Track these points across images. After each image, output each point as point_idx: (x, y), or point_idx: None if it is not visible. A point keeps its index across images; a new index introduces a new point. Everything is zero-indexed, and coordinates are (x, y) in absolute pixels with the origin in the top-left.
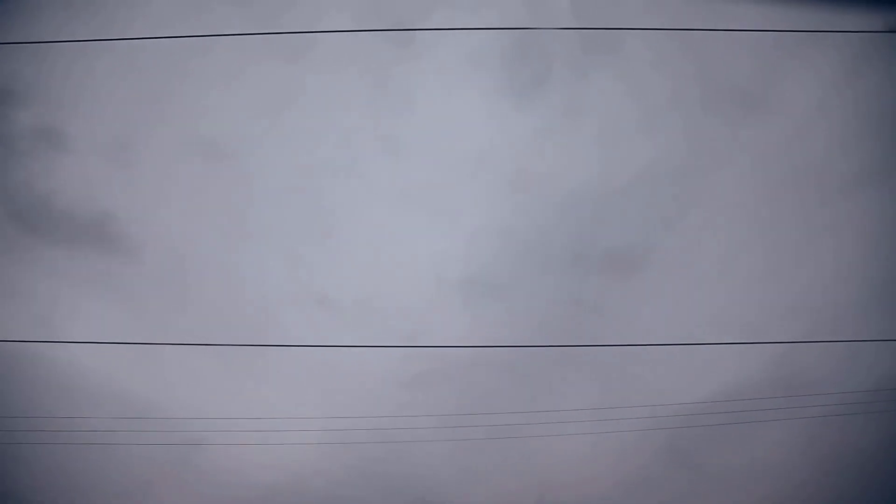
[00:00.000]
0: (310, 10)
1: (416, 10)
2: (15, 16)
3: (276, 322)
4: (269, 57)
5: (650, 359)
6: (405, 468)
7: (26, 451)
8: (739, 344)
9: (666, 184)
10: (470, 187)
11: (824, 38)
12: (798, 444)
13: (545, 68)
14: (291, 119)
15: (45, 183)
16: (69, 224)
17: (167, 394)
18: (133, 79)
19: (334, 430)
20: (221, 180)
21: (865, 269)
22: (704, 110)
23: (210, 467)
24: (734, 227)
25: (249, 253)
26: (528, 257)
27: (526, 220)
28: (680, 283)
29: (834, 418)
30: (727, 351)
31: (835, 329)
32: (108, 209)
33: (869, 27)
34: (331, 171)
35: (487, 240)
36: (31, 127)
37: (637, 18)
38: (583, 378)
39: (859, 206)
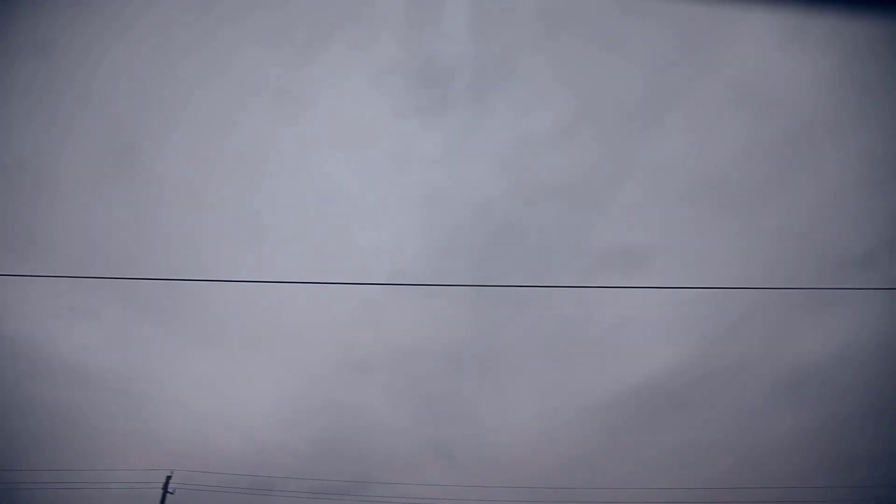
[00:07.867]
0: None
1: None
2: None
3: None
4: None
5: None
6: (353, 441)
7: None
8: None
9: (579, 190)
10: (392, 192)
11: (722, 57)
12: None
13: (452, 86)
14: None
15: None
16: None
17: (125, 361)
18: None
19: (291, 405)
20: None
21: (771, 264)
22: (611, 124)
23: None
24: (643, 231)
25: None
26: (446, 256)
27: (444, 224)
28: (603, 279)
29: (760, 394)
30: (653, 337)
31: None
32: None
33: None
34: (263, 176)
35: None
36: None
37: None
38: (521, 362)
39: (763, 211)
